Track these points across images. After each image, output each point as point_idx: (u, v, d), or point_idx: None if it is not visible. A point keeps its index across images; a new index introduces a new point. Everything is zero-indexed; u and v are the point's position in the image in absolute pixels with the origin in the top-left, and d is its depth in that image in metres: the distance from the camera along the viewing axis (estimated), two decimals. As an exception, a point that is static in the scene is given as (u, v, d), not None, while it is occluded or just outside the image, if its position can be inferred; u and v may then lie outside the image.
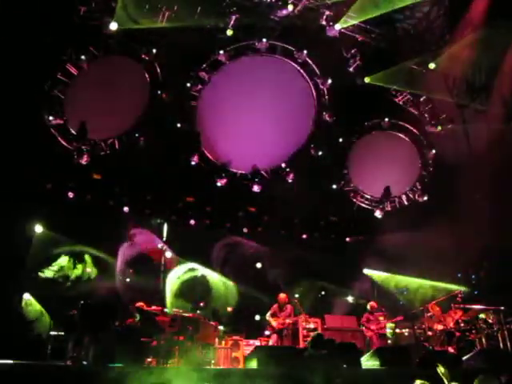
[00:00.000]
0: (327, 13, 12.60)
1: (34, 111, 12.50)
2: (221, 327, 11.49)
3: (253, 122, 13.91)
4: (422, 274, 13.91)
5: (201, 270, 13.63)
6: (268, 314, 11.25)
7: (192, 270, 13.55)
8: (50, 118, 12.66)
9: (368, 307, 12.21)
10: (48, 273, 12.25)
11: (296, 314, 11.35)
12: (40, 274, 12.16)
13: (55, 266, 12.43)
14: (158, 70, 13.13)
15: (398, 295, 14.44)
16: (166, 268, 13.55)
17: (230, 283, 13.81)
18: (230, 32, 12.40)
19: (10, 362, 7.08)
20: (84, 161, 12.72)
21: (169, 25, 12.18)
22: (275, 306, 11.26)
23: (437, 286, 13.40)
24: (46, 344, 9.08)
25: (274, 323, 10.96)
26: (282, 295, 11.35)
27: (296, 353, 8.56)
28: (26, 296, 11.98)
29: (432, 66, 13.35)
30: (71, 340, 9.00)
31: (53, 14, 11.60)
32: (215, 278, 13.74)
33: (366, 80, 13.68)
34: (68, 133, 13.00)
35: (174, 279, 13.24)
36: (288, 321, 11.05)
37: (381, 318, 11.82)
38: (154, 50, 12.81)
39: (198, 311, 12.08)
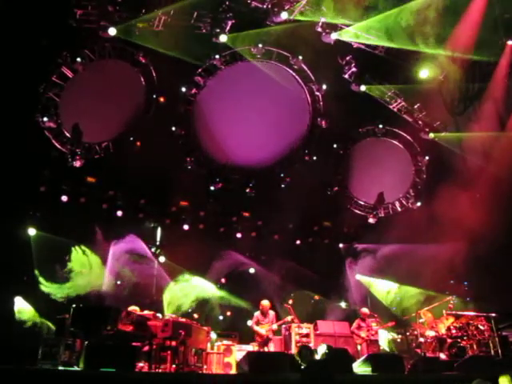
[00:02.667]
0: (323, 20, 12.70)
1: (29, 114, 12.49)
2: (213, 335, 11.41)
3: (248, 126, 13.94)
4: (414, 281, 13.95)
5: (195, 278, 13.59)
6: (253, 323, 11.05)
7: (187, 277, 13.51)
8: (45, 120, 12.65)
9: (360, 314, 12.17)
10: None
11: (288, 320, 11.29)
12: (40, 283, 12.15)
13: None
14: (154, 74, 13.19)
15: (390, 301, 14.46)
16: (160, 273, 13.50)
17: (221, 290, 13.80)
18: (224, 38, 12.47)
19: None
20: (78, 164, 12.71)
21: (165, 29, 12.25)
22: (258, 313, 11.11)
23: (429, 293, 13.41)
24: (37, 348, 9.02)
25: (262, 331, 10.86)
26: (266, 302, 11.14)
27: (287, 359, 8.55)
28: (18, 299, 11.94)
29: (425, 73, 13.46)
30: (62, 344, 8.95)
31: (49, 17, 11.61)
32: (208, 285, 13.69)
33: (363, 88, 13.79)
34: (62, 136, 13.01)
35: (171, 285, 13.20)
36: (275, 327, 10.98)
37: (373, 325, 11.80)
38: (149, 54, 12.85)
39: (196, 315, 12.06)
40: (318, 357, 9.08)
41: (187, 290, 13.16)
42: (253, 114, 13.90)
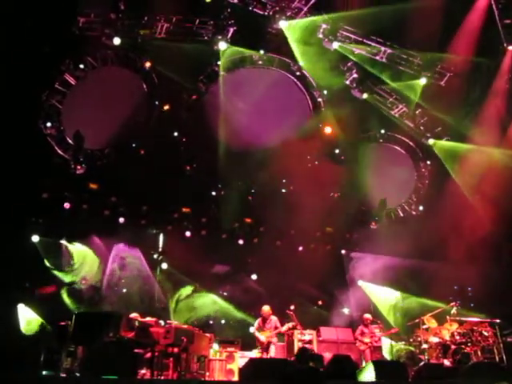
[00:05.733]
0: (324, 26, 12.77)
1: (32, 121, 12.55)
2: (216, 346, 11.34)
3: (250, 133, 13.93)
4: (417, 288, 13.89)
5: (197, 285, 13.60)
6: (254, 329, 11.04)
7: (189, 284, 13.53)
8: (47, 127, 12.71)
9: (363, 320, 12.06)
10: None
11: (290, 327, 11.23)
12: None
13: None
14: (156, 81, 13.25)
15: (392, 308, 14.37)
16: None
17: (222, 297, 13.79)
18: (223, 45, 12.56)
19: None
20: (80, 171, 12.75)
21: (167, 37, 12.34)
22: (259, 319, 11.07)
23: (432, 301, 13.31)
24: (39, 354, 8.99)
25: (261, 337, 10.83)
26: (266, 308, 11.09)
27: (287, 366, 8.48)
28: (21, 307, 11.94)
29: (423, 80, 13.50)
30: (64, 351, 8.92)
31: (52, 25, 11.71)
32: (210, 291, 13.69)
33: (365, 96, 13.85)
34: (65, 142, 13.06)
35: (173, 292, 13.21)
36: (275, 332, 10.91)
37: (376, 331, 11.72)
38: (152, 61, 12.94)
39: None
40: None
41: (189, 297, 13.14)
42: (254, 122, 13.90)
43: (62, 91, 12.92)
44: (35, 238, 12.70)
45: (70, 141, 13.04)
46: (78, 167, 12.71)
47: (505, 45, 12.60)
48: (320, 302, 14.38)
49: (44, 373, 8.55)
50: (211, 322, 13.03)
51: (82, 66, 12.84)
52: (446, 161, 14.56)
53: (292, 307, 12.76)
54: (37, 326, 11.83)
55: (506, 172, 13.12)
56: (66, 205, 13.10)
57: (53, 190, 12.95)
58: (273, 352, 10.72)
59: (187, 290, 13.48)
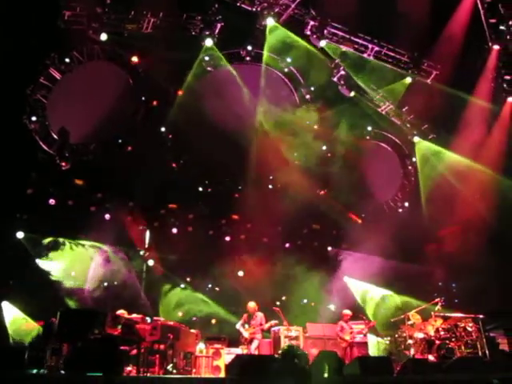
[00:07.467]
0: (312, 23, 12.78)
1: (16, 116, 12.38)
2: (202, 345, 11.31)
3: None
4: (402, 287, 14.02)
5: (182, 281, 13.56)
6: (238, 325, 11.07)
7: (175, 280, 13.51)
8: (32, 122, 12.54)
9: (342, 316, 12.02)
10: None
11: (277, 323, 11.24)
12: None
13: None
14: (142, 76, 13.15)
15: (376, 305, 14.49)
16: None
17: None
18: (209, 42, 12.52)
19: None
20: (65, 166, 12.61)
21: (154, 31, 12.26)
22: (245, 315, 11.12)
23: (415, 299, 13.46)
24: (24, 352, 8.89)
25: (244, 334, 10.85)
26: (252, 304, 11.14)
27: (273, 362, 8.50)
28: (5, 304, 11.80)
29: (409, 80, 13.60)
30: (49, 348, 8.84)
31: (37, 19, 11.55)
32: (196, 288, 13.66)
33: (352, 94, 13.90)
34: (50, 138, 12.90)
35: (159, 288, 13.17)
36: (258, 329, 10.89)
37: (359, 327, 11.77)
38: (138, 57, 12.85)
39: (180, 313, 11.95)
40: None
41: (176, 294, 13.11)
42: (242, 116, 13.86)
43: (47, 86, 12.76)
44: (20, 235, 12.55)
45: (55, 136, 12.89)
46: (63, 163, 12.56)
47: (490, 44, 12.74)
48: (306, 299, 14.42)
49: (28, 370, 8.44)
50: (197, 318, 13.00)
51: (67, 61, 12.69)
52: (420, 161, 14.79)
53: (278, 303, 12.81)
54: (21, 324, 11.70)
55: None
56: (51, 201, 12.96)
57: (37, 186, 12.80)
58: (254, 347, 10.73)
59: (174, 286, 13.41)
